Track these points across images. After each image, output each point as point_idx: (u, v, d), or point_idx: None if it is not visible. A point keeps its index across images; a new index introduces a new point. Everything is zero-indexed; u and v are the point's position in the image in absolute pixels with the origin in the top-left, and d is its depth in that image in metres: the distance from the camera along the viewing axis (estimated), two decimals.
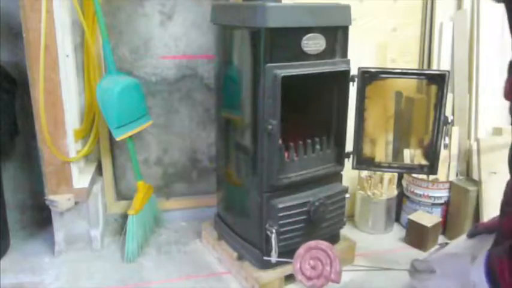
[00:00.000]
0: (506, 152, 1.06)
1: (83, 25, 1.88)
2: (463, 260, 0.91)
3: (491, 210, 1.99)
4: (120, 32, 2.07)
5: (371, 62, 2.10)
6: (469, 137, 2.16)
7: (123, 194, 2.25)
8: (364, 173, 2.18)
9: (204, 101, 2.24)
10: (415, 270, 1.02)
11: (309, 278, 1.22)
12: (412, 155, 2.01)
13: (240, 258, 1.82)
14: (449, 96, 2.16)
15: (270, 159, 1.59)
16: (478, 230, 1.08)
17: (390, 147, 1.99)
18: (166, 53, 2.14)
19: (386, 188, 2.16)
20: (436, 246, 1.25)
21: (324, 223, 1.74)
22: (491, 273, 0.83)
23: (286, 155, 1.68)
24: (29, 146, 2.11)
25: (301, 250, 1.26)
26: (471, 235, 1.07)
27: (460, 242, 1.14)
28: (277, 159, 1.61)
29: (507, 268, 0.81)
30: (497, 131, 2.14)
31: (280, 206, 1.62)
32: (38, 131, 1.81)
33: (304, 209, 1.67)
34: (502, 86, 0.91)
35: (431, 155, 1.77)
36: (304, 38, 1.56)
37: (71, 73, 1.91)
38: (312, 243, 1.27)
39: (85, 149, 2.01)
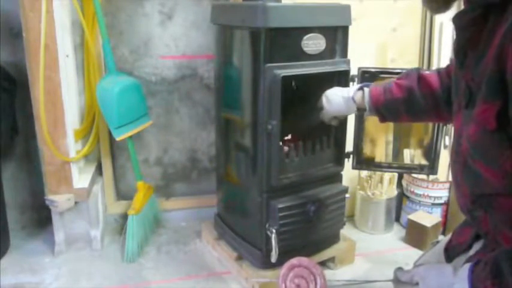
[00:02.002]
0: None
1: (83, 25, 1.88)
2: (445, 273, 0.92)
3: None
4: (120, 32, 2.07)
5: (371, 62, 2.10)
6: None
7: (123, 194, 2.25)
8: (364, 173, 2.18)
9: (204, 101, 2.24)
10: (398, 281, 1.03)
11: None
12: (412, 155, 2.01)
13: (240, 258, 1.82)
14: None
15: (270, 159, 1.59)
16: (455, 250, 1.08)
17: (390, 147, 1.99)
18: (166, 53, 2.14)
19: (386, 188, 2.16)
20: (430, 245, 1.26)
21: (324, 223, 1.74)
22: None
23: (286, 154, 1.68)
24: (29, 146, 2.11)
25: (284, 269, 1.27)
26: (449, 259, 1.08)
27: (441, 248, 1.14)
28: (277, 159, 1.60)
29: None
30: None
31: (280, 206, 1.62)
32: (38, 131, 1.81)
33: (304, 209, 1.67)
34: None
35: (431, 155, 1.77)
36: (304, 38, 1.56)
37: (71, 73, 1.91)
38: (294, 261, 1.28)
39: (85, 149, 2.01)
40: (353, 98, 1.39)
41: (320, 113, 1.53)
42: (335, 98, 1.44)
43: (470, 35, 0.86)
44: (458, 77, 0.94)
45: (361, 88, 1.39)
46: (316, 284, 1.22)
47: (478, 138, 0.81)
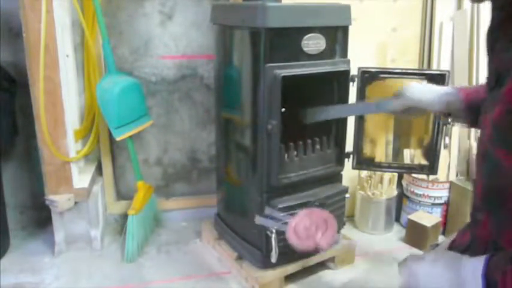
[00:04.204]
0: None
1: (83, 25, 1.88)
2: (454, 254, 0.90)
3: None
4: (120, 32, 2.07)
5: (371, 62, 2.10)
6: (469, 137, 2.16)
7: (123, 194, 2.25)
8: (364, 173, 2.17)
9: (204, 101, 2.24)
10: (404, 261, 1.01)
11: (299, 237, 1.25)
12: (412, 155, 2.01)
13: (240, 258, 1.82)
14: None
15: (270, 159, 1.59)
16: (458, 249, 1.07)
17: (390, 147, 1.99)
18: (166, 53, 2.14)
19: (386, 188, 2.16)
20: (429, 248, 1.26)
21: None
22: (489, 282, 0.82)
23: (286, 155, 1.68)
24: (29, 146, 2.11)
25: (302, 212, 1.27)
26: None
27: (443, 244, 1.14)
28: (277, 159, 1.60)
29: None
30: None
31: (280, 206, 1.62)
32: (38, 131, 1.81)
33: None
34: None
35: (431, 155, 1.77)
36: (304, 38, 1.56)
37: (71, 73, 1.91)
38: (317, 210, 1.30)
39: (85, 149, 2.01)
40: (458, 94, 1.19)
41: (393, 100, 1.33)
42: (423, 89, 1.27)
43: (505, 15, 0.85)
44: (488, 63, 0.93)
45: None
46: (324, 233, 1.24)
47: (502, 119, 0.79)
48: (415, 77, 1.77)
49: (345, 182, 1.88)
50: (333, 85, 1.73)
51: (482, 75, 2.15)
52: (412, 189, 2.18)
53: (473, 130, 2.16)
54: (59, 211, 1.90)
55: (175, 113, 2.23)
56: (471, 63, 2.16)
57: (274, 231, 1.61)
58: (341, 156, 1.79)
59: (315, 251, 1.26)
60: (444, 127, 1.76)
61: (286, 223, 1.28)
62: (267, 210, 1.51)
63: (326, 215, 1.28)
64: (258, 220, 1.51)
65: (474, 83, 2.16)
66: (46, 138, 1.79)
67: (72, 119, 1.90)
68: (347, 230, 2.04)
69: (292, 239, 1.26)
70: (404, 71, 1.77)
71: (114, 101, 1.84)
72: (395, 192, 2.19)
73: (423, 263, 0.92)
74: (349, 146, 1.80)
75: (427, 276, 0.89)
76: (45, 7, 1.68)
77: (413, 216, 2.09)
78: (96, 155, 2.17)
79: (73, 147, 1.89)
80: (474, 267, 0.82)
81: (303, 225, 1.26)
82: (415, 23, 2.21)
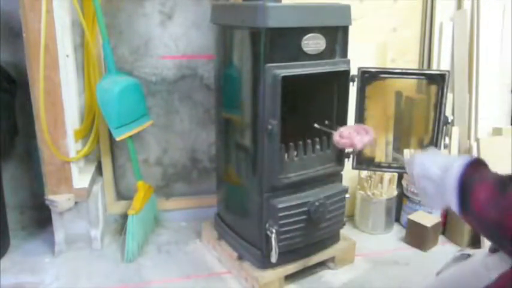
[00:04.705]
0: (506, 152, 1.06)
1: (83, 25, 1.88)
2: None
3: None
4: (120, 32, 2.07)
5: (371, 62, 2.10)
6: (469, 137, 2.16)
7: (123, 194, 2.25)
8: (364, 173, 2.17)
9: (204, 101, 2.24)
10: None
11: (341, 138, 1.51)
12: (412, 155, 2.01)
13: (240, 258, 1.82)
14: (449, 96, 2.16)
15: (270, 159, 1.59)
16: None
17: (390, 147, 1.99)
18: (167, 53, 2.14)
19: (386, 188, 2.16)
20: (457, 254, 1.25)
21: (324, 223, 1.74)
22: (463, 187, 0.91)
23: (286, 155, 1.68)
24: (29, 146, 2.11)
25: (352, 124, 1.58)
26: (493, 250, 1.06)
27: (479, 257, 1.12)
28: (277, 159, 1.60)
29: (484, 190, 0.87)
30: (497, 131, 2.14)
31: (280, 206, 1.62)
32: (38, 131, 1.81)
33: (304, 209, 1.67)
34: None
35: None
36: (304, 38, 1.56)
37: (71, 73, 1.91)
38: (364, 126, 1.57)
39: (85, 149, 2.01)
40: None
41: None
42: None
43: None
44: None
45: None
46: (362, 136, 1.50)
47: None
48: (415, 77, 1.78)
49: (345, 182, 1.88)
50: (333, 85, 1.73)
51: (482, 76, 2.15)
52: (412, 189, 2.17)
53: (473, 130, 2.16)
54: (59, 211, 1.90)
55: (175, 113, 2.23)
56: (471, 63, 2.16)
57: (274, 231, 1.61)
58: (341, 156, 1.79)
59: (352, 148, 1.59)
60: (444, 127, 1.76)
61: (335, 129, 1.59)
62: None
63: (370, 130, 1.54)
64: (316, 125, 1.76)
65: (474, 83, 2.16)
66: (46, 138, 1.79)
67: (72, 119, 1.90)
68: (347, 230, 2.04)
69: (336, 140, 1.52)
70: (404, 71, 1.77)
71: (114, 101, 1.84)
72: (395, 192, 2.19)
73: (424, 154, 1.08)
74: None
75: (424, 158, 1.06)
76: (45, 7, 1.68)
77: (414, 216, 2.09)
78: (96, 155, 2.17)
79: (73, 147, 1.89)
80: (464, 161, 0.94)
81: (347, 131, 1.52)
82: (415, 23, 2.21)
